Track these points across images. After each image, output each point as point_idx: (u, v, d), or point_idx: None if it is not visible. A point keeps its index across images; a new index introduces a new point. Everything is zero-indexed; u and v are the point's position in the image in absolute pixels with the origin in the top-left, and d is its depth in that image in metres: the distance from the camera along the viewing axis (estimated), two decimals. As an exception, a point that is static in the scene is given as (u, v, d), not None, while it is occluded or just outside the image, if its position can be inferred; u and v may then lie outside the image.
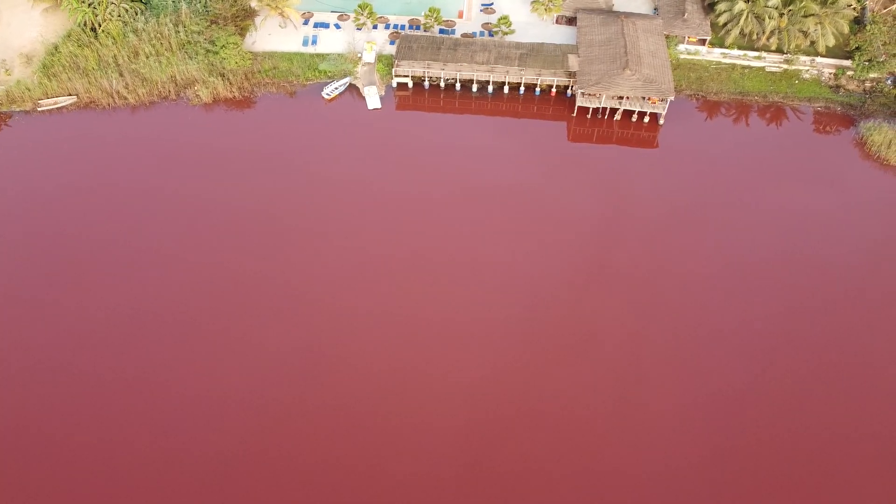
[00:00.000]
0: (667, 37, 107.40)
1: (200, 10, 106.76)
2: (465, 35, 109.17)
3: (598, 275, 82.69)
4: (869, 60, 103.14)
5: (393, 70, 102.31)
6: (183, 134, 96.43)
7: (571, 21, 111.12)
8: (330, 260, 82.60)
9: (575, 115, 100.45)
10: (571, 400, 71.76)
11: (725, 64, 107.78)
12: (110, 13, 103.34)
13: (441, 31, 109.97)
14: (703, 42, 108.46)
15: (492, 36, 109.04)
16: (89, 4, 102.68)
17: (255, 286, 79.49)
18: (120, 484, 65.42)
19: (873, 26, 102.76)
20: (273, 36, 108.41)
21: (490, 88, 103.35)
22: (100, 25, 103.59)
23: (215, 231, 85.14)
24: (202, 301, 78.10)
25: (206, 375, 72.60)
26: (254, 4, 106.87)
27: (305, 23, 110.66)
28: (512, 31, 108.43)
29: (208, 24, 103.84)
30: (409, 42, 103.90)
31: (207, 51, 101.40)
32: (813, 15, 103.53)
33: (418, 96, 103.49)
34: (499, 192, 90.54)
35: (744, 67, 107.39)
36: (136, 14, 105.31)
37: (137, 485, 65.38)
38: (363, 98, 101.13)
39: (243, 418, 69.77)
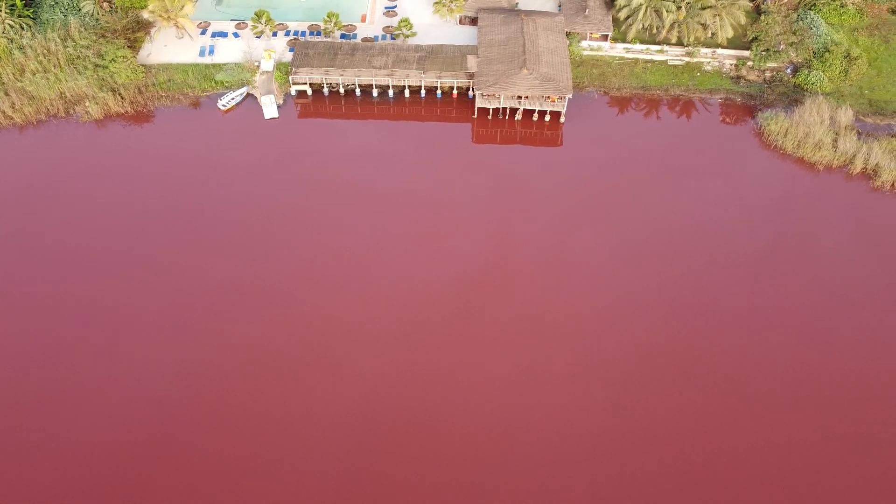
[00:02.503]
0: (569, 34, 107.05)
1: (90, 24, 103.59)
2: (365, 39, 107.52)
3: (495, 274, 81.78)
4: (766, 50, 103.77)
5: (290, 78, 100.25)
6: (69, 152, 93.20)
7: (475, 21, 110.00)
8: (221, 278, 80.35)
9: (476, 116, 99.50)
10: (457, 406, 70.83)
11: (628, 59, 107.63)
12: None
13: (342, 36, 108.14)
14: (605, 38, 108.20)
15: (393, 39, 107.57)
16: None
17: (131, 313, 77.17)
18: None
19: (767, 17, 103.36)
20: (169, 47, 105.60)
21: (391, 93, 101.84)
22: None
23: (96, 253, 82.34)
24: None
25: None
26: (147, 16, 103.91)
27: (203, 32, 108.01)
28: (414, 34, 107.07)
29: (97, 37, 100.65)
30: (305, 49, 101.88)
31: (96, 65, 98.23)
32: (710, 7, 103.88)
33: (318, 104, 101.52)
34: (395, 198, 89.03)
35: (647, 62, 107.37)
36: (22, 30, 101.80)
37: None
38: (261, 107, 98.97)
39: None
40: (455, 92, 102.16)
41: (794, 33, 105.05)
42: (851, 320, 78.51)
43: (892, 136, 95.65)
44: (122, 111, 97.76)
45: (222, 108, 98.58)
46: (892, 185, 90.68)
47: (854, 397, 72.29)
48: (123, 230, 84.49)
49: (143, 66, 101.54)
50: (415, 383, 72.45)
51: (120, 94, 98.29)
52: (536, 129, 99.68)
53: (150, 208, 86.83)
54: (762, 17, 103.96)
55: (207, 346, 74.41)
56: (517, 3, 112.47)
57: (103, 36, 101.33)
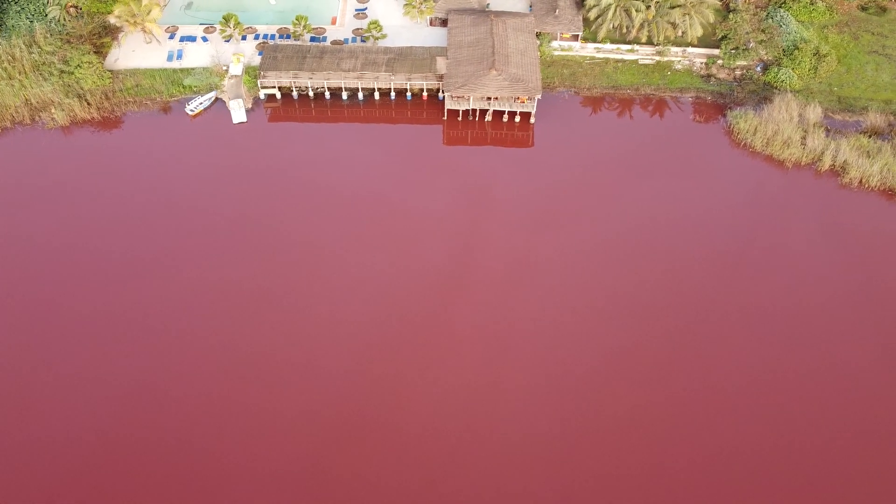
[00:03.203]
0: (540, 34, 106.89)
1: (56, 30, 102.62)
2: (335, 42, 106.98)
3: (465, 277, 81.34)
4: (735, 48, 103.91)
5: (258, 82, 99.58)
6: (34, 159, 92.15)
7: (445, 23, 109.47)
8: (184, 283, 79.60)
9: (446, 118, 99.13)
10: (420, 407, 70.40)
11: (599, 58, 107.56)
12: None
13: (312, 39, 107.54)
14: (576, 38, 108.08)
15: (363, 42, 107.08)
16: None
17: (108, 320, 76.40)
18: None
19: (736, 15, 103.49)
20: (137, 52, 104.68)
21: (360, 95, 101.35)
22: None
23: (60, 258, 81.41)
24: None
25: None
26: (114, 21, 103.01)
27: (171, 37, 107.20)
28: (384, 36, 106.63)
29: (62, 43, 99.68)
30: (273, 52, 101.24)
31: (62, 71, 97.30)
32: (680, 6, 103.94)
33: (287, 107, 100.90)
34: (365, 201, 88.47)
35: (617, 61, 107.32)
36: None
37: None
38: (230, 112, 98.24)
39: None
40: (425, 94, 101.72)
41: (764, 31, 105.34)
42: (820, 317, 78.49)
43: (860, 133, 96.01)
44: (89, 117, 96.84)
45: (190, 112, 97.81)
46: (860, 181, 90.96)
47: (823, 393, 72.30)
48: (88, 236, 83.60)
49: (110, 71, 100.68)
50: (379, 386, 71.91)
51: (86, 100, 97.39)
52: (507, 129, 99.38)
53: (116, 214, 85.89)
54: (731, 16, 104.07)
55: (174, 348, 73.76)
56: (488, 4, 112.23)
57: (69, 42, 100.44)
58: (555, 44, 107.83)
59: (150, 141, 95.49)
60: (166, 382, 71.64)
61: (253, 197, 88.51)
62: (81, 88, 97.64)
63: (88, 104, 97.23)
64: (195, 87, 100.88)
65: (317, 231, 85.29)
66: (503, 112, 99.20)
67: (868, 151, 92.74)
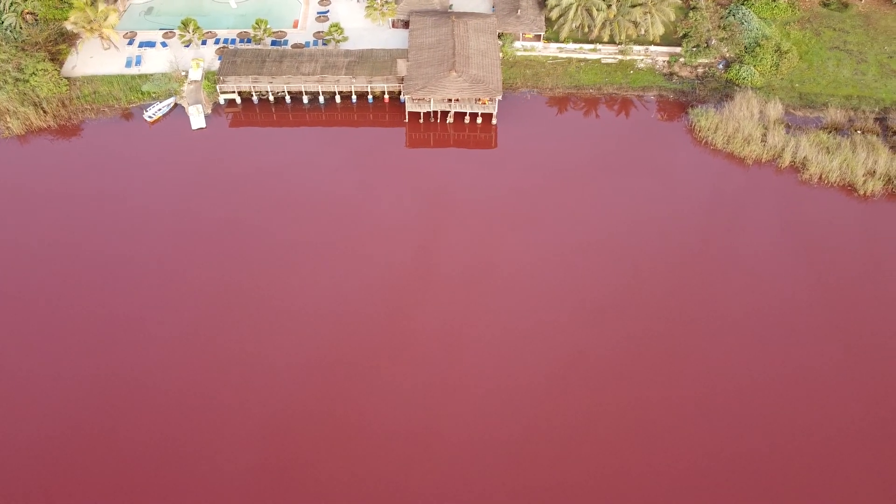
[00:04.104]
0: (502, 35, 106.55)
1: (11, 37, 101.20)
2: (295, 45, 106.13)
3: (425, 280, 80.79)
4: (696, 46, 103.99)
5: (217, 87, 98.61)
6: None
7: (408, 24, 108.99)
8: (140, 290, 78.66)
9: (407, 120, 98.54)
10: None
11: (562, 58, 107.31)
12: None
13: (273, 43, 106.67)
14: (538, 38, 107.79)
15: (325, 45, 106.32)
16: None
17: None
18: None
19: (696, 12, 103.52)
20: (95, 59, 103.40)
21: (321, 99, 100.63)
22: None
23: (10, 266, 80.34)
24: None
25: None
26: (70, 27, 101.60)
27: (130, 43, 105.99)
28: (345, 39, 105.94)
29: (16, 50, 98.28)
30: (232, 57, 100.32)
31: (17, 79, 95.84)
32: (640, 4, 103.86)
33: (248, 112, 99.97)
34: (326, 206, 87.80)
35: (580, 61, 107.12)
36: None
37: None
38: (189, 118, 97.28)
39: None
40: (387, 97, 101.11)
41: (724, 28, 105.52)
42: (780, 314, 78.38)
43: (820, 129, 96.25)
44: (45, 126, 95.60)
45: (149, 119, 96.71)
46: (820, 177, 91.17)
47: (788, 392, 72.03)
48: (44, 243, 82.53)
49: (66, 78, 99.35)
50: (339, 389, 71.34)
51: (42, 108, 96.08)
52: (469, 131, 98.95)
53: (71, 222, 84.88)
54: (691, 14, 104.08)
55: (138, 350, 72.95)
56: (451, 6, 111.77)
57: (23, 49, 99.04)
58: (517, 44, 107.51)
59: (106, 148, 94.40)
60: (129, 381, 71.15)
61: (211, 203, 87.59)
62: (37, 96, 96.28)
63: (44, 112, 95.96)
64: (154, 93, 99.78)
65: (276, 236, 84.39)
66: (465, 114, 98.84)
67: (828, 147, 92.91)
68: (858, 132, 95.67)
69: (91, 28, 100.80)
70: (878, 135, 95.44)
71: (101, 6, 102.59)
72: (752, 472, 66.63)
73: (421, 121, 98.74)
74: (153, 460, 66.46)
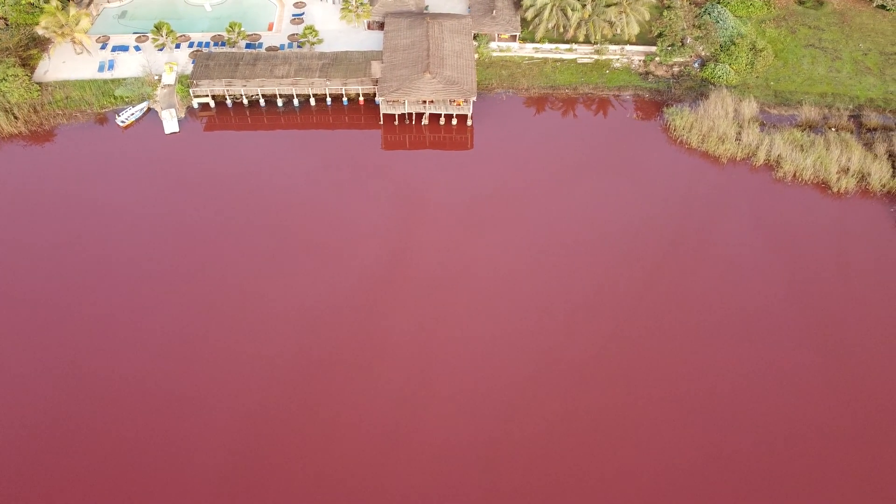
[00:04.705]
0: (478, 35, 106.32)
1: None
2: (270, 48, 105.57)
3: (398, 284, 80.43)
4: (671, 45, 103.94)
5: (190, 91, 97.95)
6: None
7: (383, 26, 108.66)
8: (114, 293, 78.13)
9: (382, 122, 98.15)
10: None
11: (538, 59, 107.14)
12: None
13: (248, 46, 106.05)
14: (514, 38, 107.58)
15: (300, 47, 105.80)
16: None
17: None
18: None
19: (669, 11, 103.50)
20: (67, 64, 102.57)
21: (296, 102, 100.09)
22: None
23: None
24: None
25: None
26: (41, 32, 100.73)
27: (103, 47, 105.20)
28: (320, 41, 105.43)
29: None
30: (206, 60, 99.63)
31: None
32: (615, 4, 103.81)
33: (222, 116, 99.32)
34: (298, 208, 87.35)
35: (556, 61, 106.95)
36: None
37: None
38: (162, 122, 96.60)
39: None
40: (362, 99, 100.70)
41: (699, 27, 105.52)
42: (755, 312, 78.32)
43: (795, 127, 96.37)
44: (17, 132, 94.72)
45: (121, 124, 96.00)
46: (794, 175, 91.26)
47: (762, 392, 72.06)
48: (15, 250, 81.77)
49: (38, 84, 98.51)
50: (308, 394, 70.97)
51: (13, 114, 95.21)
52: (445, 133, 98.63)
53: (42, 229, 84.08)
54: (665, 13, 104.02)
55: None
56: (427, 7, 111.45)
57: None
58: (493, 45, 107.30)
59: (78, 153, 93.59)
60: (98, 379, 70.55)
61: (184, 207, 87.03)
62: (8, 102, 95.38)
63: (16, 118, 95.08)
64: (127, 97, 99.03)
65: (250, 240, 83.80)
66: (440, 115, 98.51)
67: (801, 145, 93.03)
68: (832, 130, 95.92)
69: (62, 33, 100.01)
70: (851, 132, 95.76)
71: (73, 10, 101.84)
72: (728, 472, 66.64)
73: (396, 123, 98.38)
74: (120, 457, 66.05)
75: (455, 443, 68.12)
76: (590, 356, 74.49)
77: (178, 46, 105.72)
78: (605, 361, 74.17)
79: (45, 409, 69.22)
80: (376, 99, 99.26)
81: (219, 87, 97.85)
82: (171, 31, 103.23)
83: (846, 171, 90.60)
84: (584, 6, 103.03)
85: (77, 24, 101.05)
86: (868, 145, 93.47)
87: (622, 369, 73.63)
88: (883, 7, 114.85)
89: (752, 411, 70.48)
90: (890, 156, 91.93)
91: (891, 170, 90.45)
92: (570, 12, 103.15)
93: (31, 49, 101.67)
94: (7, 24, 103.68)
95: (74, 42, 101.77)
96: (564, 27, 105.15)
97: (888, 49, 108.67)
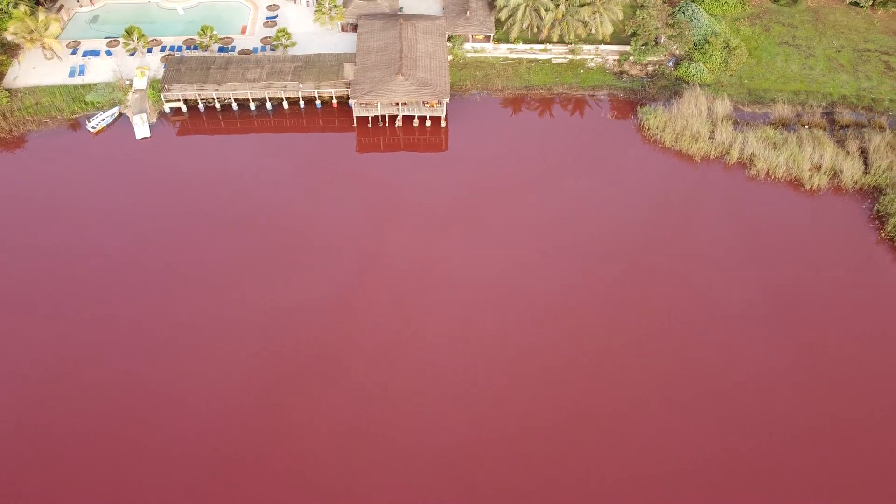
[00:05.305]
0: (452, 37, 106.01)
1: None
2: (243, 51, 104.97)
3: (376, 282, 79.97)
4: (645, 44, 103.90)
5: (162, 95, 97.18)
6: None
7: (357, 28, 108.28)
8: (84, 298, 77.38)
9: (356, 125, 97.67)
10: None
11: (512, 59, 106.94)
12: None
13: (220, 49, 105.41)
14: (488, 39, 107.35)
15: (273, 50, 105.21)
16: None
17: None
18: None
19: (643, 11, 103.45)
20: (38, 69, 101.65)
21: (269, 105, 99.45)
22: None
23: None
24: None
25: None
26: (10, 38, 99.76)
27: (74, 52, 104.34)
28: (293, 44, 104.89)
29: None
30: (177, 64, 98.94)
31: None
32: (588, 4, 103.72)
33: (194, 120, 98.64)
34: (272, 212, 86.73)
35: (530, 61, 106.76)
36: None
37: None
38: (133, 127, 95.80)
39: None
40: (335, 101, 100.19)
41: (673, 26, 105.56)
42: (728, 311, 78.21)
43: (768, 125, 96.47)
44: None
45: (92, 129, 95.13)
46: (767, 173, 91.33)
47: (740, 394, 71.87)
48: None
49: (8, 90, 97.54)
50: (280, 400, 70.37)
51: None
52: (419, 135, 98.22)
53: (10, 236, 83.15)
54: (638, 12, 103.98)
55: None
56: (401, 8, 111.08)
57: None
58: (468, 46, 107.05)
59: (48, 159, 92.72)
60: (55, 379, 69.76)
61: (154, 212, 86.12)
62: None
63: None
64: (98, 102, 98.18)
65: (222, 245, 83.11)
66: (414, 117, 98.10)
67: (775, 143, 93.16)
68: (805, 127, 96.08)
69: (32, 38, 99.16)
70: (824, 129, 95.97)
71: (42, 16, 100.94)
72: (710, 475, 66.68)
73: (370, 125, 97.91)
74: (84, 453, 65.70)
75: (428, 444, 67.58)
76: (567, 357, 74.00)
77: (150, 51, 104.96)
78: (580, 361, 73.80)
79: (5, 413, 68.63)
80: (349, 101, 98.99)
81: (190, 92, 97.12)
82: (143, 36, 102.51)
83: (818, 168, 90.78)
84: (557, 6, 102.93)
85: (47, 30, 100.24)
86: (840, 142, 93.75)
87: (600, 370, 73.10)
88: (856, 4, 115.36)
89: (724, 411, 70.31)
90: (862, 152, 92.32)
91: (863, 167, 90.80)
92: (543, 12, 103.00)
93: (0, 55, 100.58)
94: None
95: (44, 48, 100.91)
96: (538, 27, 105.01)
97: (861, 46, 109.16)
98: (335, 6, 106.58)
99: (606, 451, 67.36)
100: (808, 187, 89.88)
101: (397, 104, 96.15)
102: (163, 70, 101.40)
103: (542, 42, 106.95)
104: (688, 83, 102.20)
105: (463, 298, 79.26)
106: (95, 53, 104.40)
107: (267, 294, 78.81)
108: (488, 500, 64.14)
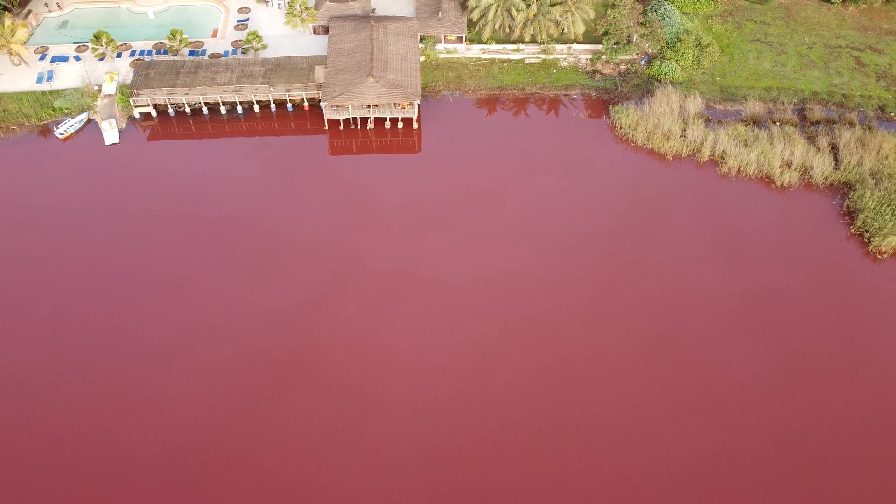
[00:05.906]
0: (424, 38, 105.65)
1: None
2: (213, 55, 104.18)
3: (350, 285, 79.45)
4: (616, 43, 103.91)
5: (131, 100, 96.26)
6: None
7: (329, 30, 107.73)
8: (50, 315, 76.47)
9: (327, 128, 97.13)
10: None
11: (485, 59, 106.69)
12: None
13: (191, 53, 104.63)
14: (460, 40, 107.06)
15: (244, 53, 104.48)
16: None
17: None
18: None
19: (614, 10, 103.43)
20: (4, 75, 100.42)
21: (240, 109, 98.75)
22: None
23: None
24: None
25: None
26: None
27: (42, 58, 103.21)
28: (264, 47, 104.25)
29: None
30: (146, 69, 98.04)
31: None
32: (560, 3, 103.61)
33: (164, 125, 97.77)
34: (243, 217, 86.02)
35: (503, 61, 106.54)
36: None
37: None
38: (102, 133, 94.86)
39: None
40: (306, 104, 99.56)
41: (644, 24, 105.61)
42: (700, 309, 78.25)
43: (739, 122, 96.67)
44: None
45: (60, 136, 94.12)
46: (738, 170, 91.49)
47: (714, 396, 71.95)
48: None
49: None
50: (254, 405, 69.89)
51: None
52: (391, 136, 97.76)
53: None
54: (609, 11, 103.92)
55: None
56: (374, 10, 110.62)
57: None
58: (440, 46, 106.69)
59: (15, 167, 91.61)
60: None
61: (123, 219, 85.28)
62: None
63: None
64: (66, 108, 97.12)
65: (193, 251, 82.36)
66: (385, 119, 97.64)
67: (745, 140, 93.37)
68: (776, 124, 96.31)
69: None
70: (795, 126, 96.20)
71: (9, 21, 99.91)
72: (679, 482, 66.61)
73: (341, 128, 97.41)
74: (57, 457, 64.83)
75: (410, 445, 67.21)
76: (542, 358, 73.68)
77: (119, 55, 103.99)
78: (555, 362, 73.59)
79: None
80: (321, 104, 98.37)
81: (160, 97, 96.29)
82: (112, 41, 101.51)
83: (789, 164, 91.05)
84: (528, 6, 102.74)
85: (13, 35, 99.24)
86: (811, 139, 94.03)
87: (576, 369, 72.92)
88: (827, 0, 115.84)
89: (706, 412, 70.39)
90: (832, 148, 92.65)
91: (833, 163, 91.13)
92: (515, 12, 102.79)
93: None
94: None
95: (11, 53, 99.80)
96: (510, 27, 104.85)
97: (832, 42, 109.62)
98: (307, 8, 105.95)
99: (583, 451, 67.30)
100: (779, 184, 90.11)
101: (369, 106, 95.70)
102: (132, 74, 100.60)
103: (514, 42, 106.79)
104: (660, 81, 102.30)
105: (440, 298, 78.93)
106: (64, 59, 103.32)
107: (241, 295, 78.36)
108: (475, 501, 63.93)
